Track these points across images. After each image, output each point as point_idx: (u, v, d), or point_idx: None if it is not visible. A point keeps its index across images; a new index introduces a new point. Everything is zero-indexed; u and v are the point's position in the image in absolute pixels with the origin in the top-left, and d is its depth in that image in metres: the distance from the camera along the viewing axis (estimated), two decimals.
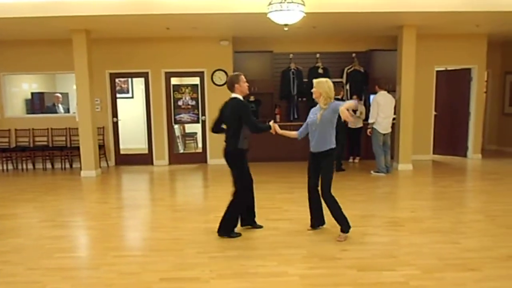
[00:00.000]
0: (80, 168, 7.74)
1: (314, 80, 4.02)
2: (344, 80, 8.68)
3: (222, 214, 4.09)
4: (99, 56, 8.14)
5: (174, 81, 8.76)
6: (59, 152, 8.39)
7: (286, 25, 5.69)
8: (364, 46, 8.80)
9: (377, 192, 6.15)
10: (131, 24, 6.95)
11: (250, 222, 4.29)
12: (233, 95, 3.99)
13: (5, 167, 8.44)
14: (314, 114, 3.99)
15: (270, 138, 8.16)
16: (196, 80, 8.69)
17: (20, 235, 4.34)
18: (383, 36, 8.41)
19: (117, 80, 8.87)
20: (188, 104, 8.75)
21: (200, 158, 8.81)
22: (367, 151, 8.28)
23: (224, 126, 4.12)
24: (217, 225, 4.09)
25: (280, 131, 4.15)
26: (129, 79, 10.14)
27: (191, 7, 6.20)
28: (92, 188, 6.80)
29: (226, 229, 4.03)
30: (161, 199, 6.08)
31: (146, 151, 8.82)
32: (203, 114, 8.64)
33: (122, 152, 8.83)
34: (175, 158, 8.84)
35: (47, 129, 8.55)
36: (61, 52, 8.07)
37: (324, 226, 4.27)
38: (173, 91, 8.70)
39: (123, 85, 10.21)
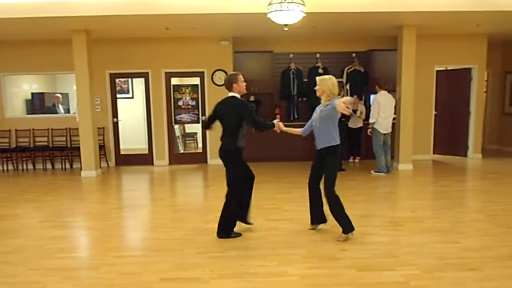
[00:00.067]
0: (81, 169, 7.75)
1: (317, 78, 4.01)
2: (344, 80, 8.68)
3: None
4: (99, 56, 8.14)
5: (174, 81, 8.76)
6: (59, 153, 8.39)
7: (286, 25, 5.70)
8: (364, 46, 8.80)
9: (377, 192, 6.15)
10: (131, 24, 6.95)
11: (240, 216, 4.19)
12: (231, 94, 3.99)
13: (5, 168, 8.45)
14: (316, 111, 4.01)
15: (270, 138, 8.23)
16: (196, 80, 8.70)
17: (21, 235, 4.34)
18: (383, 36, 8.41)
19: (117, 80, 8.87)
20: (188, 104, 8.75)
21: (200, 158, 8.81)
22: (367, 151, 8.28)
23: (214, 124, 4.15)
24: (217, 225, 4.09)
25: (284, 129, 4.14)
26: (129, 79, 10.14)
27: (191, 7, 6.20)
28: (93, 188, 6.81)
29: (225, 231, 4.03)
30: (161, 199, 6.08)
31: (146, 151, 8.82)
32: (203, 114, 8.64)
33: (122, 152, 8.84)
34: (175, 158, 8.84)
35: (48, 129, 8.55)
36: (61, 53, 8.07)
37: (326, 224, 4.26)
38: (173, 91, 8.70)
39: (123, 85, 10.21)
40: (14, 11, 6.17)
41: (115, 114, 8.69)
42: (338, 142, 3.93)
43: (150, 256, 3.67)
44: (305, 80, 8.75)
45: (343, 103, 3.62)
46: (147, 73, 8.54)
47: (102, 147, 8.37)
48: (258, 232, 4.20)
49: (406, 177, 7.10)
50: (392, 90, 7.64)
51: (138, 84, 9.89)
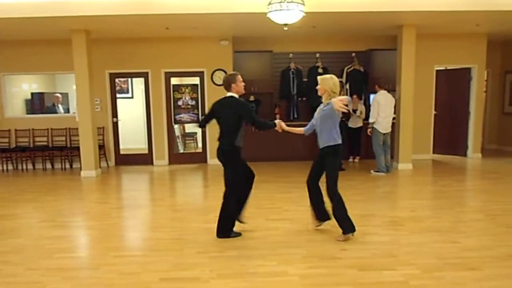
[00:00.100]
0: (80, 168, 7.75)
1: (319, 77, 4.00)
2: (344, 79, 8.68)
3: None
4: (99, 56, 8.14)
5: (174, 81, 8.76)
6: (59, 152, 8.39)
7: (285, 24, 5.70)
8: (363, 46, 8.80)
9: (377, 191, 6.15)
10: (131, 24, 6.95)
11: (238, 211, 4.14)
12: (229, 94, 3.98)
13: (5, 168, 8.44)
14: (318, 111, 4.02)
15: (270, 137, 8.25)
16: (196, 80, 8.70)
17: (20, 235, 4.34)
18: (382, 35, 8.41)
19: (117, 80, 8.87)
20: (188, 104, 8.75)
21: (200, 158, 8.81)
22: (367, 150, 8.29)
23: (205, 123, 4.16)
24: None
25: (286, 128, 4.13)
26: (129, 79, 10.14)
27: (191, 7, 6.20)
28: (92, 188, 6.81)
29: (224, 231, 4.02)
30: (161, 199, 6.08)
31: (146, 151, 8.82)
32: (203, 114, 8.64)
33: (122, 152, 8.84)
34: (175, 158, 8.84)
35: (47, 129, 8.55)
36: (61, 52, 8.07)
37: (326, 224, 4.26)
38: (173, 91, 8.70)
39: (123, 85, 10.21)
40: (14, 11, 6.17)
41: (114, 114, 8.69)
42: (339, 142, 3.91)
43: (149, 256, 3.67)
44: (305, 79, 8.75)
45: (339, 101, 3.63)
46: (147, 73, 8.54)
47: (101, 147, 8.36)
48: (258, 232, 4.20)
49: (406, 177, 7.10)
50: (391, 90, 7.64)
51: (138, 84, 9.88)
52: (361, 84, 8.64)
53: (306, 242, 3.91)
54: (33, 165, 8.53)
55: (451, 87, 8.92)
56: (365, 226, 4.31)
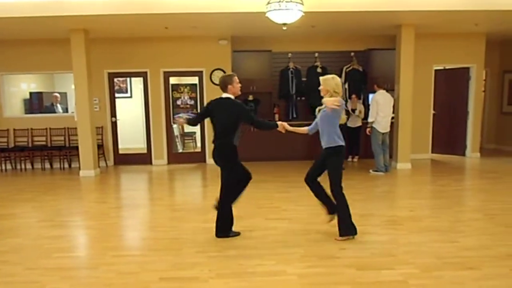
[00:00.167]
0: (79, 168, 7.73)
1: (321, 77, 3.98)
2: (342, 79, 8.68)
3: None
4: (98, 56, 8.13)
5: (172, 80, 8.76)
6: (57, 152, 8.38)
7: (284, 24, 5.70)
8: (362, 45, 8.80)
9: (376, 191, 6.16)
10: (129, 23, 6.94)
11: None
12: (225, 95, 3.96)
13: (3, 167, 8.43)
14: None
15: (268, 137, 8.24)
16: (194, 80, 8.69)
17: (19, 235, 4.34)
18: (381, 35, 8.41)
19: (115, 79, 8.87)
20: (187, 104, 8.74)
21: (199, 158, 8.81)
22: (366, 150, 8.30)
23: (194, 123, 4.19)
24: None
25: (289, 128, 4.10)
26: (128, 79, 10.13)
27: (190, 7, 6.19)
28: (91, 187, 6.80)
29: (223, 230, 4.02)
30: (160, 198, 6.08)
31: (145, 151, 8.82)
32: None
33: (121, 151, 8.83)
34: (174, 157, 8.84)
35: (46, 129, 8.54)
36: (60, 52, 8.05)
37: (326, 223, 4.26)
38: (172, 90, 8.69)
39: (121, 85, 10.20)
40: (13, 11, 6.15)
41: (113, 113, 8.68)
42: (340, 143, 3.86)
43: (148, 255, 3.67)
44: (304, 79, 8.75)
45: (331, 100, 3.65)
46: (146, 72, 8.53)
47: (100, 147, 8.35)
48: (257, 232, 4.20)
49: (405, 176, 7.11)
50: (390, 89, 7.65)
51: (137, 84, 9.87)
52: (360, 84, 8.65)
53: (305, 241, 3.91)
54: (32, 165, 8.52)
55: (450, 87, 8.93)
56: (364, 225, 4.31)
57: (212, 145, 4.03)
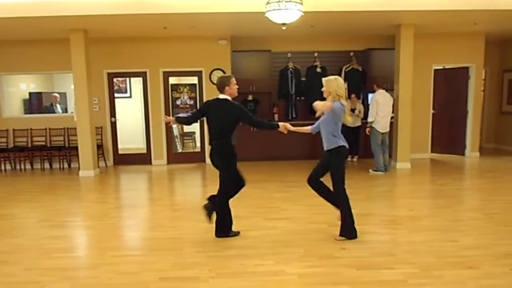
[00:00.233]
0: (79, 168, 7.73)
1: (323, 79, 3.97)
2: (342, 79, 8.67)
3: None
4: (97, 56, 8.12)
5: (172, 80, 8.75)
6: (57, 152, 8.37)
7: (284, 24, 5.69)
8: (362, 45, 8.80)
9: (376, 190, 6.16)
10: (129, 23, 6.94)
11: (211, 208, 4.04)
12: (222, 96, 3.94)
13: (3, 168, 8.42)
14: None
15: (267, 137, 8.23)
16: (194, 80, 8.69)
17: (18, 235, 4.33)
18: (381, 35, 8.41)
19: (115, 79, 8.86)
20: (187, 104, 8.74)
21: (198, 158, 8.81)
22: (365, 150, 8.31)
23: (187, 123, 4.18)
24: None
25: (292, 128, 4.08)
26: (127, 79, 10.12)
27: (189, 7, 6.19)
28: (91, 188, 6.80)
29: (223, 230, 4.02)
30: (159, 198, 6.08)
31: (145, 151, 8.81)
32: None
33: (120, 151, 8.82)
34: (174, 157, 8.83)
35: (45, 129, 8.53)
36: (59, 52, 8.03)
37: (325, 223, 4.26)
38: (171, 90, 8.69)
39: (121, 85, 10.19)
40: (12, 11, 6.15)
41: (113, 113, 8.67)
42: (340, 144, 3.83)
43: (148, 255, 3.67)
44: (303, 79, 8.75)
45: (320, 104, 3.67)
46: (145, 72, 8.53)
47: (100, 147, 8.35)
48: (257, 231, 4.20)
49: (404, 176, 7.12)
50: (390, 89, 7.65)
51: (136, 84, 9.87)
52: (359, 84, 8.65)
53: (305, 241, 3.91)
54: (31, 165, 8.51)
55: (449, 86, 8.93)
56: (363, 225, 4.30)
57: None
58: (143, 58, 8.41)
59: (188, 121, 4.25)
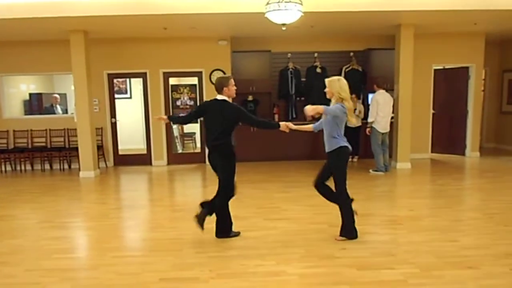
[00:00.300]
0: (79, 169, 7.73)
1: (326, 80, 3.96)
2: None
3: None
4: (97, 57, 8.13)
5: (172, 81, 8.76)
6: (57, 153, 8.37)
7: (284, 24, 5.69)
8: (362, 45, 8.81)
9: (376, 190, 6.16)
10: (129, 24, 6.94)
11: (206, 212, 3.98)
12: (220, 97, 3.93)
13: (3, 169, 8.42)
14: None
15: (267, 137, 8.24)
16: (194, 80, 8.69)
17: (19, 236, 4.33)
18: (381, 35, 8.42)
19: (115, 80, 8.86)
20: (187, 104, 8.74)
21: (198, 158, 8.80)
22: (365, 150, 8.30)
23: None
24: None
25: (294, 127, 4.07)
26: (127, 80, 10.12)
27: (189, 7, 6.20)
28: (91, 188, 6.80)
29: (223, 231, 4.02)
30: (160, 199, 6.08)
31: (145, 152, 8.81)
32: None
33: (120, 152, 8.82)
34: (174, 158, 8.84)
35: (46, 130, 8.53)
36: (59, 53, 8.04)
37: (326, 223, 4.26)
38: (172, 91, 8.70)
39: (121, 86, 10.20)
40: (12, 12, 6.15)
41: (113, 114, 8.67)
42: (341, 145, 3.81)
43: (149, 256, 3.67)
44: (303, 79, 8.76)
45: (310, 108, 3.66)
46: (145, 73, 8.53)
47: (100, 148, 8.35)
48: (257, 232, 4.21)
49: (404, 176, 7.11)
50: (390, 89, 7.65)
51: (136, 84, 9.87)
52: (359, 84, 8.65)
53: (305, 241, 3.91)
54: (32, 166, 8.51)
55: (449, 86, 8.93)
56: (364, 225, 4.30)
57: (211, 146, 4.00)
58: (143, 59, 8.42)
59: (184, 121, 4.26)
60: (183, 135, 9.96)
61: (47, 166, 8.53)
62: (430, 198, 5.74)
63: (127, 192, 6.80)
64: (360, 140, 8.41)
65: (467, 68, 8.71)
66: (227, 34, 8.31)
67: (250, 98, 8.66)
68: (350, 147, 3.90)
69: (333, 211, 4.03)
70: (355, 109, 8.17)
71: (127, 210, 5.40)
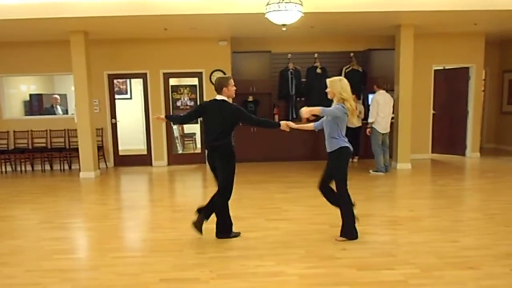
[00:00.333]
0: (79, 170, 7.73)
1: (328, 80, 3.95)
2: None
3: None
4: (97, 57, 8.13)
5: (172, 81, 8.76)
6: (57, 154, 8.37)
7: (284, 25, 5.69)
8: (362, 46, 8.81)
9: (376, 191, 6.16)
10: (129, 25, 6.95)
11: (203, 217, 3.95)
12: (219, 97, 3.93)
13: (3, 169, 8.42)
14: None
15: (267, 138, 8.25)
16: (194, 81, 8.70)
17: (19, 236, 4.33)
18: (381, 35, 8.42)
19: (115, 81, 8.87)
20: (187, 105, 8.75)
21: (199, 159, 8.80)
22: (366, 150, 8.30)
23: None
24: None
25: (295, 126, 4.05)
26: (128, 80, 10.13)
27: (189, 8, 6.20)
28: (91, 189, 6.80)
29: (224, 232, 4.02)
30: (160, 200, 6.08)
31: (145, 152, 8.82)
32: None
33: (121, 153, 8.82)
34: (174, 158, 8.84)
35: (46, 130, 8.54)
36: (60, 54, 8.05)
37: (326, 224, 4.26)
38: (172, 91, 8.70)
39: (121, 86, 10.20)
40: (12, 13, 6.16)
41: (113, 115, 8.68)
42: (341, 145, 3.81)
43: (149, 256, 3.67)
44: (303, 80, 8.76)
45: (305, 110, 3.66)
46: (145, 73, 8.53)
47: (100, 148, 8.35)
48: (257, 232, 4.20)
49: (405, 176, 7.11)
50: (390, 90, 7.64)
51: (137, 85, 9.87)
52: (359, 84, 8.64)
53: (305, 242, 3.91)
54: (32, 167, 8.51)
55: (450, 87, 8.93)
56: (364, 225, 4.30)
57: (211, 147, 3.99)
58: (143, 59, 8.42)
59: (183, 120, 4.26)
60: (184, 136, 9.97)
61: (47, 167, 8.54)
62: (431, 198, 5.74)
63: (127, 192, 6.80)
64: (360, 140, 8.41)
65: (467, 68, 8.71)
66: (227, 35, 8.32)
67: (250, 98, 8.66)
68: (351, 147, 3.89)
69: (334, 211, 4.02)
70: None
71: (127, 211, 5.40)
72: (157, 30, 7.53)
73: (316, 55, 8.76)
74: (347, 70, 8.69)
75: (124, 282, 3.16)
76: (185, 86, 8.79)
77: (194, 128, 9.53)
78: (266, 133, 8.23)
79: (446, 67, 8.95)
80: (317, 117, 3.94)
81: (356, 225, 3.90)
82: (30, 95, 9.41)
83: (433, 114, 8.89)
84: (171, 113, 8.63)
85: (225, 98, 3.93)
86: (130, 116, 9.60)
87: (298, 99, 8.81)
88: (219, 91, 3.95)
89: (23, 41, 8.13)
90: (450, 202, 5.29)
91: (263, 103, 8.81)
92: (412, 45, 7.48)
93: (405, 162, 7.70)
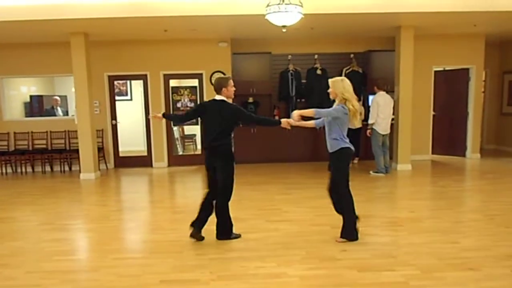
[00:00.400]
0: (79, 171, 7.73)
1: (330, 80, 3.96)
2: None
3: None
4: (98, 59, 8.13)
5: (172, 83, 8.77)
6: (58, 155, 8.37)
7: (284, 26, 5.70)
8: (362, 47, 8.81)
9: (376, 192, 6.16)
10: (129, 26, 6.96)
11: (198, 229, 3.98)
12: (219, 97, 3.93)
13: (4, 171, 8.42)
14: None
15: (268, 138, 8.25)
16: (194, 82, 8.71)
17: (19, 238, 4.33)
18: (381, 36, 8.42)
19: (115, 82, 8.88)
20: (187, 106, 8.75)
21: (199, 160, 8.76)
22: (366, 151, 8.30)
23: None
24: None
25: (295, 123, 4.02)
26: (128, 82, 10.14)
27: (190, 10, 6.21)
28: (91, 190, 6.80)
29: (224, 233, 4.02)
30: (160, 201, 6.08)
31: (145, 153, 8.82)
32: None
33: (121, 154, 8.82)
34: (174, 160, 8.84)
35: (46, 132, 8.54)
36: (60, 55, 8.05)
37: (327, 224, 4.26)
38: (172, 93, 8.71)
39: (122, 88, 10.21)
40: (13, 14, 6.16)
41: (113, 116, 8.68)
42: (342, 145, 3.81)
43: (149, 258, 3.67)
44: (304, 81, 8.76)
45: (296, 116, 3.71)
46: (146, 75, 8.54)
47: (101, 149, 8.35)
48: (258, 233, 4.20)
49: (405, 178, 7.11)
50: (390, 91, 7.64)
51: (137, 86, 9.88)
52: (359, 85, 8.61)
53: (306, 243, 3.90)
54: (32, 168, 8.51)
55: (450, 88, 8.93)
56: (364, 227, 4.29)
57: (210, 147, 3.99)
58: (143, 60, 8.43)
59: (181, 120, 4.25)
60: (184, 137, 9.97)
61: (47, 168, 8.53)
62: (431, 199, 5.74)
63: (127, 194, 6.80)
64: (361, 141, 8.40)
65: (467, 69, 8.71)
66: (228, 36, 8.33)
67: (250, 100, 8.66)
68: (352, 147, 3.89)
69: (334, 212, 4.02)
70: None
71: (127, 212, 5.40)
72: (157, 32, 7.54)
73: (316, 56, 8.76)
74: (347, 71, 8.68)
75: (124, 283, 3.16)
76: (186, 88, 8.79)
77: (194, 130, 9.53)
78: (266, 134, 8.24)
79: (446, 68, 8.96)
80: (311, 119, 3.94)
81: (357, 225, 3.90)
82: (31, 97, 9.42)
83: (433, 115, 8.90)
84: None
85: (225, 98, 3.94)
86: (130, 118, 9.60)
87: (298, 100, 8.81)
88: (218, 91, 3.95)
89: (24, 43, 8.14)
90: (450, 203, 5.29)
91: (263, 105, 8.81)
92: (412, 46, 7.49)
93: (405, 163, 7.70)
